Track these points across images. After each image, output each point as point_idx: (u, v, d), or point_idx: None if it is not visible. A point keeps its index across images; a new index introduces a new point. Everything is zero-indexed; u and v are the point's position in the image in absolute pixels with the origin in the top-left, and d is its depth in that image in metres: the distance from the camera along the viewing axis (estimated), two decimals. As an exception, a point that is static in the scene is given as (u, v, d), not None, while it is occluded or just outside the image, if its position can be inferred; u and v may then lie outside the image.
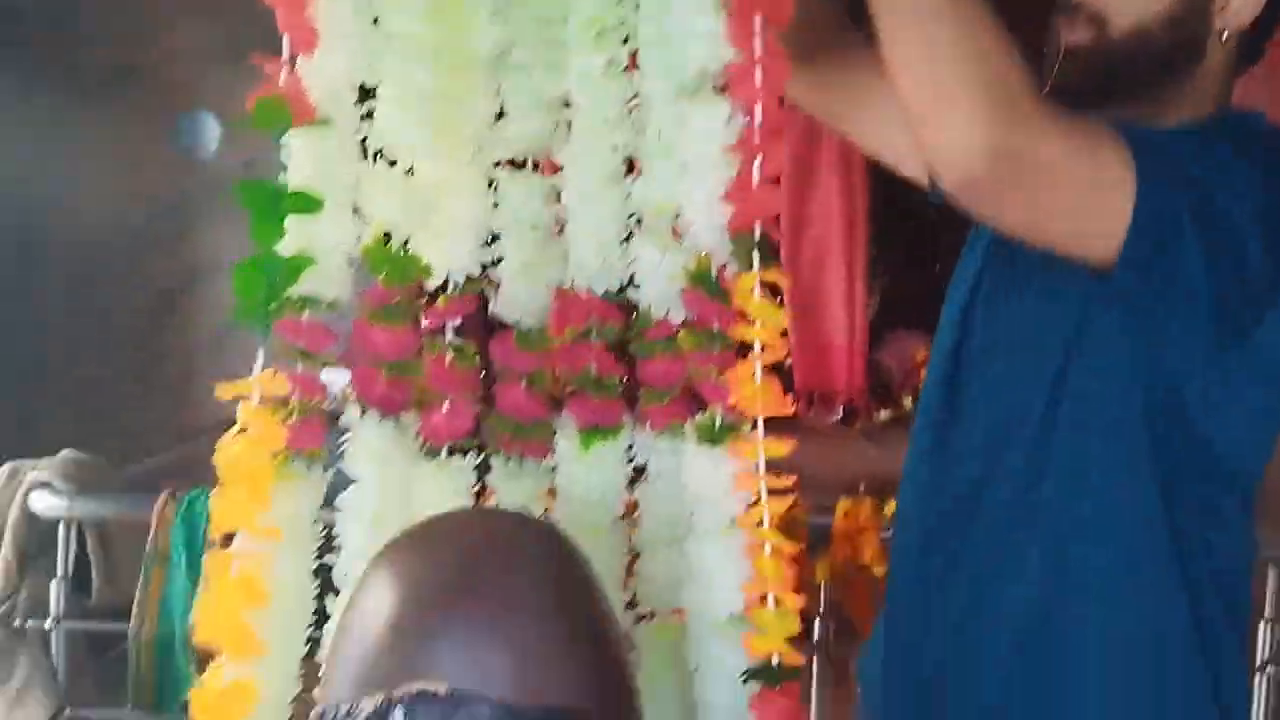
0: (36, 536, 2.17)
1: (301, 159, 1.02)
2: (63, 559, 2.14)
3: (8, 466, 2.23)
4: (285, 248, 1.03)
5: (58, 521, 2.14)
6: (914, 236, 3.25)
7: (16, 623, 2.13)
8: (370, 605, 0.87)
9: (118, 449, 2.48)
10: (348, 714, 0.83)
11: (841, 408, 2.81)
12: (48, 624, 2.11)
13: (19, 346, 3.45)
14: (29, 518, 2.15)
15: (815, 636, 2.25)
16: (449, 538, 0.94)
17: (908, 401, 2.85)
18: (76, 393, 3.58)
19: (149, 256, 3.89)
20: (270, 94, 1.00)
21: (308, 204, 1.03)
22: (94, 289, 3.68)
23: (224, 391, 1.03)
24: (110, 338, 3.70)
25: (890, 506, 2.36)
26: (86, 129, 3.56)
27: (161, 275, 3.94)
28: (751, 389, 1.09)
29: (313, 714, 0.87)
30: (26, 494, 2.15)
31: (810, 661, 2.20)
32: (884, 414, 2.83)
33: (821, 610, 2.21)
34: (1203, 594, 0.94)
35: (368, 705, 0.82)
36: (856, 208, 2.86)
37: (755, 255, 1.11)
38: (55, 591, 2.12)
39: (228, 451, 1.03)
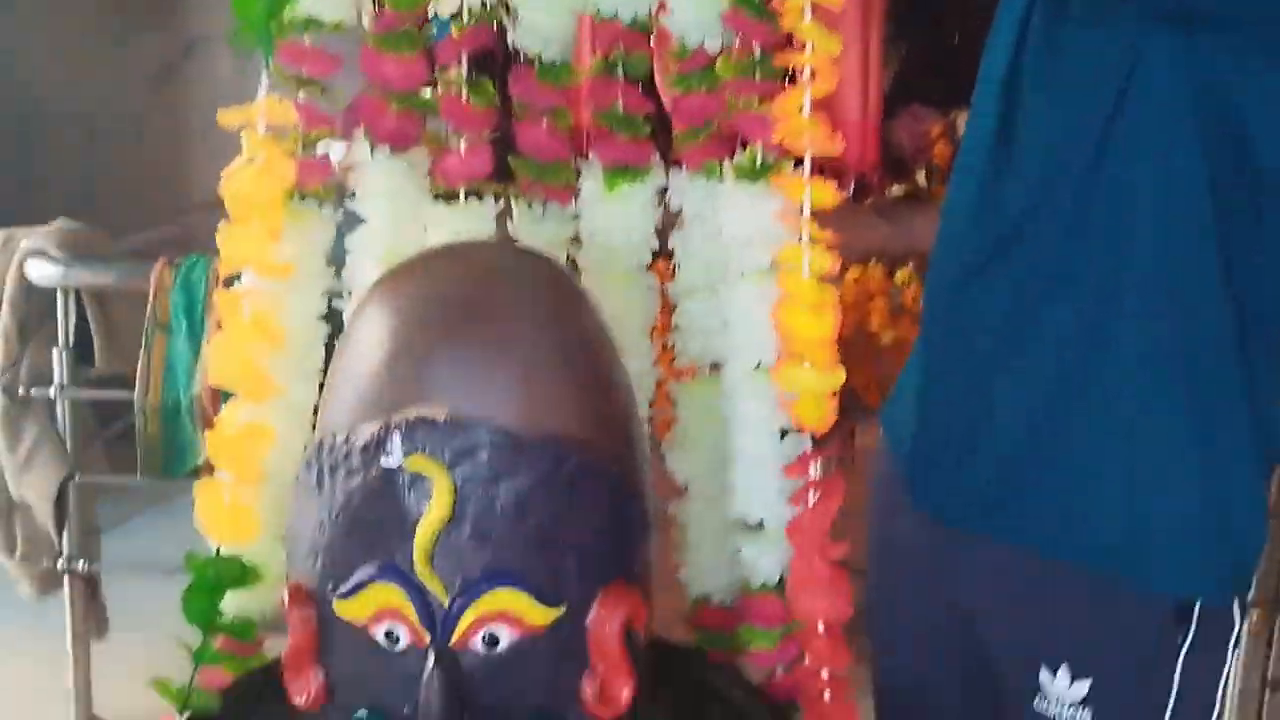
0: (35, 305, 2.13)
1: None
2: (62, 327, 2.10)
3: (1, 233, 2.16)
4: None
5: (55, 290, 2.09)
6: (932, 7, 3.10)
7: (21, 391, 2.11)
8: (368, 331, 0.84)
9: (112, 226, 2.41)
10: (345, 442, 0.81)
11: (853, 183, 2.73)
12: (51, 392, 2.10)
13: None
14: (26, 287, 2.10)
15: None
16: (448, 266, 0.91)
17: (921, 177, 2.78)
18: (71, 173, 3.50)
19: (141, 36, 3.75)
20: None
21: None
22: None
23: (227, 119, 0.96)
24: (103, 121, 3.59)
25: (900, 275, 2.33)
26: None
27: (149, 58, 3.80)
28: (799, 123, 1.02)
29: (310, 445, 0.85)
30: (22, 263, 2.09)
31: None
32: (896, 189, 2.75)
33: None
34: (1249, 310, 0.92)
35: (365, 432, 0.79)
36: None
37: None
38: (57, 360, 2.10)
39: (235, 184, 0.96)
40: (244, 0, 0.96)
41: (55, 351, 2.13)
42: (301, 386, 1.02)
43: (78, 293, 2.13)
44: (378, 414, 0.80)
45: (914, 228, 2.74)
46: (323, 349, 1.04)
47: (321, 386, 1.05)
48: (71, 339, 2.13)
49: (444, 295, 0.86)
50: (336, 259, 1.08)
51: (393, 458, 0.79)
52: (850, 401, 2.27)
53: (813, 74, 1.01)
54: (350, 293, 1.07)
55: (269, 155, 0.96)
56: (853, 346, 2.33)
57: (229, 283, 1.01)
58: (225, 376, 0.98)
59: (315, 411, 0.99)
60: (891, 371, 2.58)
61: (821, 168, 2.75)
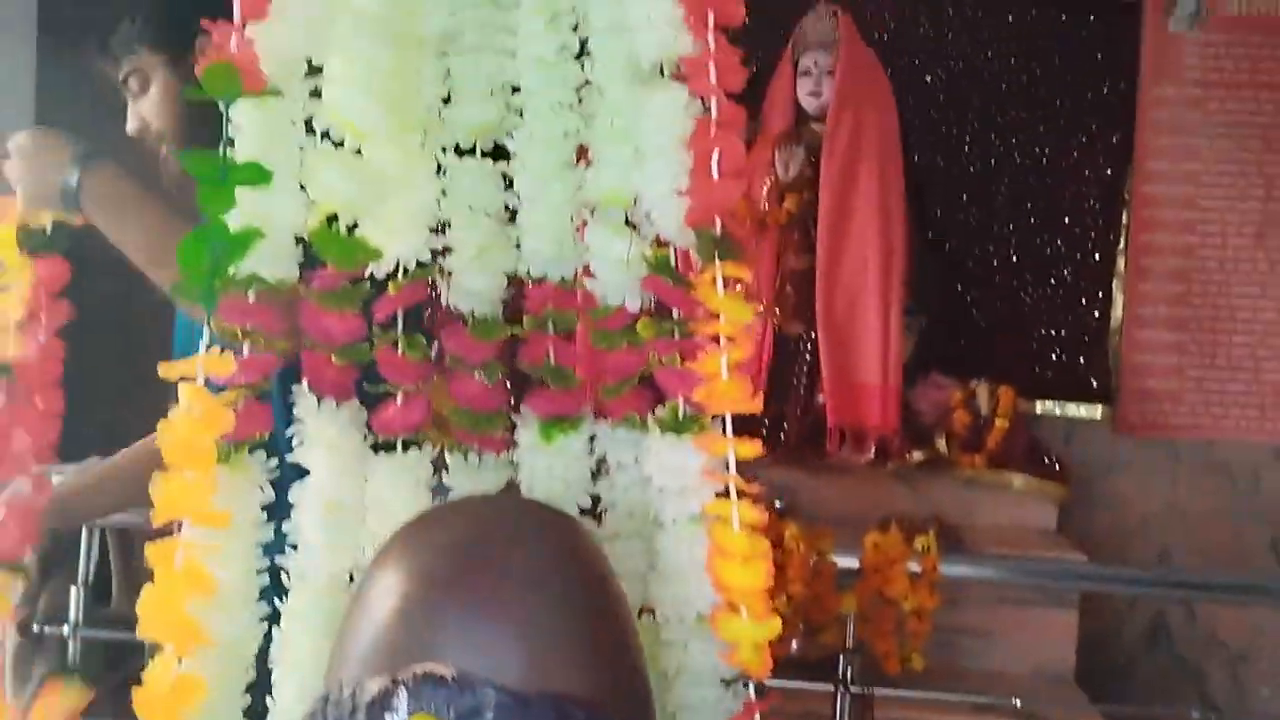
0: (59, 543, 2.20)
1: (249, 131, 1.00)
2: (84, 566, 2.16)
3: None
4: (232, 221, 1.02)
5: (80, 527, 2.17)
6: (951, 279, 3.21)
7: (35, 628, 2.16)
8: (379, 586, 0.84)
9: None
10: (351, 697, 0.80)
11: (874, 447, 2.75)
12: (65, 630, 2.14)
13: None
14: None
15: (841, 671, 2.19)
16: (459, 521, 0.91)
17: (941, 444, 2.79)
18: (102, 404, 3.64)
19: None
20: (221, 60, 0.98)
21: (257, 176, 1.00)
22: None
23: (168, 371, 0.99)
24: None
25: (920, 541, 2.30)
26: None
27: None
28: (720, 386, 1.06)
29: (315, 697, 0.85)
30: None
31: (836, 697, 2.13)
32: (917, 454, 2.76)
33: (847, 645, 2.14)
34: None
35: (372, 688, 0.78)
36: (894, 247, 2.83)
37: (716, 248, 1.09)
38: (75, 598, 2.15)
39: (172, 434, 0.98)
40: (192, 255, 1.01)
41: (74, 590, 2.18)
42: (237, 638, 1.03)
43: (102, 530, 2.20)
44: (384, 669, 0.79)
45: (934, 494, 2.74)
46: (258, 599, 1.05)
47: (264, 636, 1.07)
48: (91, 577, 2.18)
49: (454, 550, 0.86)
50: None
51: (398, 715, 0.79)
52: (870, 671, 2.22)
53: (729, 340, 1.05)
54: (295, 546, 1.10)
55: (207, 406, 0.99)
56: (872, 613, 2.30)
57: (161, 534, 1.01)
58: (156, 628, 0.98)
59: (256, 660, 1.00)
60: (911, 639, 2.51)
61: (844, 434, 2.75)
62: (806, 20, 2.89)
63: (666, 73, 1.11)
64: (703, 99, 1.08)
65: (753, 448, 1.10)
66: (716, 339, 1.09)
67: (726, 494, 1.07)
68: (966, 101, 3.24)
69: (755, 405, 1.11)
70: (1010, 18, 3.22)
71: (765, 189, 2.81)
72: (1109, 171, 3.22)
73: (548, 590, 0.84)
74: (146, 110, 1.57)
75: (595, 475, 1.20)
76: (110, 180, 1.41)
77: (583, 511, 1.18)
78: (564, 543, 0.90)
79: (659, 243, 1.14)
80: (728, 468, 1.09)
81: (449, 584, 0.83)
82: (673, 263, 1.13)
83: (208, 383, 0.99)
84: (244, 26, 1.01)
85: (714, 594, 1.07)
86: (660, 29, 1.07)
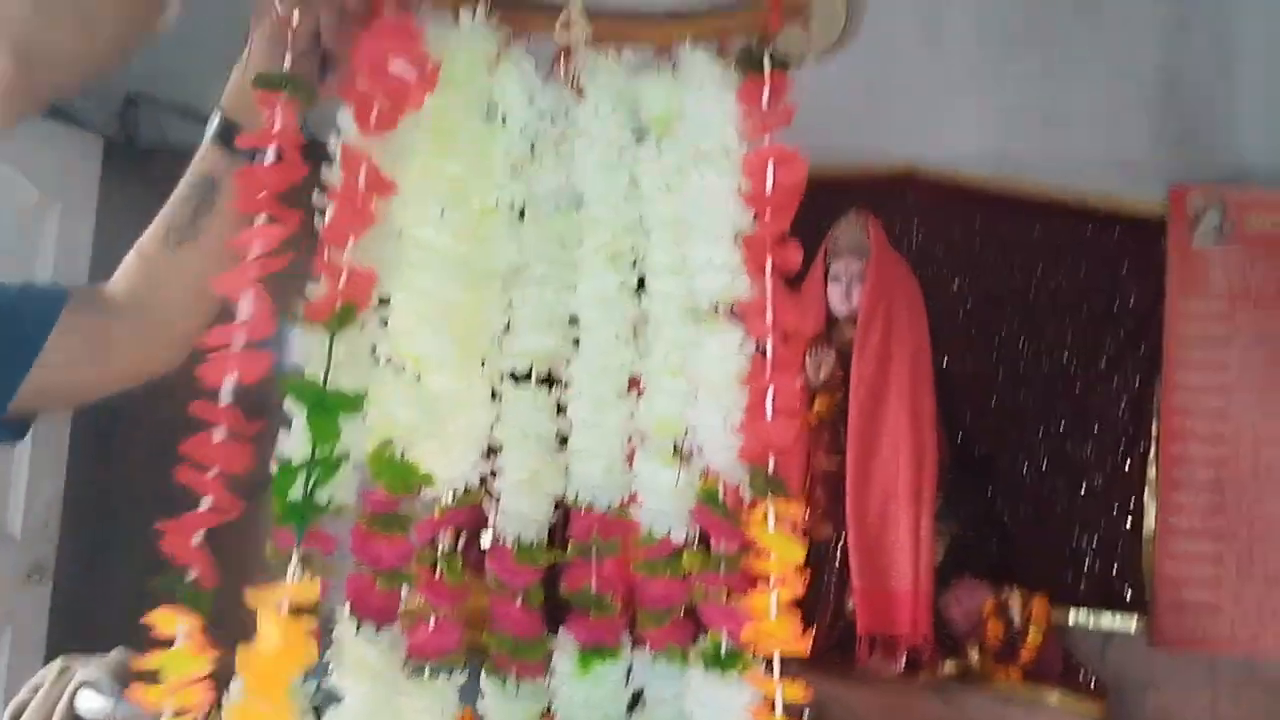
0: (82, 737, 2.15)
1: (316, 360, 1.01)
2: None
3: (59, 662, 2.23)
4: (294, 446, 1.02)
5: (101, 721, 2.12)
6: (981, 485, 3.19)
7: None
8: None
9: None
10: None
11: (905, 657, 2.68)
12: None
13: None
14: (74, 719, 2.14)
15: None
16: None
17: (974, 655, 2.72)
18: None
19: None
20: (345, 301, 1.00)
21: (353, 406, 1.02)
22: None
23: (254, 598, 0.95)
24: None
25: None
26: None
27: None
28: (768, 625, 1.04)
29: None
30: (74, 693, 2.15)
31: None
32: (949, 666, 2.69)
33: None
34: None
35: None
36: (925, 450, 2.82)
37: (768, 486, 1.07)
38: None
39: (253, 664, 0.93)
40: (283, 484, 0.99)
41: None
42: None
43: (124, 725, 2.15)
44: None
45: (967, 708, 2.65)
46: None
47: None
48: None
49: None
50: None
51: None
52: None
53: (780, 579, 1.03)
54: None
55: (290, 636, 0.95)
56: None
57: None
58: None
59: None
60: None
61: (874, 642, 2.67)
62: (838, 227, 2.97)
63: (721, 311, 1.13)
64: (759, 338, 1.10)
65: (800, 689, 1.08)
66: (766, 577, 1.07)
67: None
68: (995, 309, 3.28)
69: (804, 647, 1.08)
70: (1037, 229, 3.29)
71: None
72: (1137, 380, 3.23)
73: None
74: None
75: (632, 708, 1.17)
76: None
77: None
78: None
79: (707, 474, 1.14)
80: (773, 709, 1.06)
81: None
82: (721, 496, 1.13)
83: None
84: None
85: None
86: (719, 273, 1.10)
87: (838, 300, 2.90)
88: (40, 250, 3.03)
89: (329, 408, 1.00)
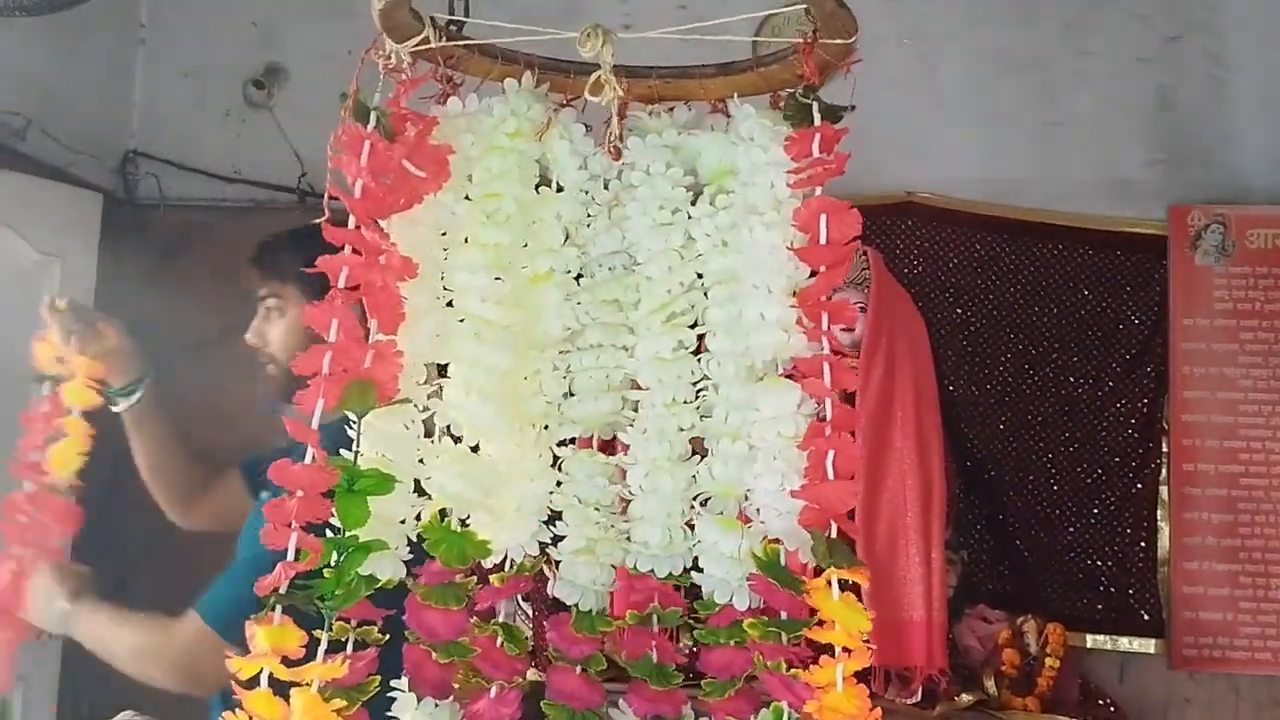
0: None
1: (373, 436, 1.02)
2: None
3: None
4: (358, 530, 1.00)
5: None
6: (991, 511, 3.17)
7: None
8: None
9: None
10: None
11: (920, 688, 2.65)
12: None
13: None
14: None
15: None
16: None
17: (990, 685, 2.69)
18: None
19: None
20: (361, 378, 0.99)
21: (382, 485, 1.01)
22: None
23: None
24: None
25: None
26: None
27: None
28: (835, 698, 1.00)
29: None
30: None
31: None
32: (965, 698, 2.66)
33: None
34: None
35: None
36: (933, 479, 2.80)
37: (830, 552, 1.03)
38: None
39: None
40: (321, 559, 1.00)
41: None
42: None
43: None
44: None
45: (986, 741, 2.63)
46: None
47: None
48: None
49: None
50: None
51: None
52: None
53: (845, 650, 1.00)
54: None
55: (319, 716, 0.96)
56: None
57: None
58: None
59: None
60: None
61: (888, 674, 2.65)
62: (839, 259, 2.95)
63: (780, 370, 1.11)
64: (818, 398, 1.07)
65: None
66: (830, 647, 1.03)
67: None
68: (999, 333, 3.27)
69: (875, 720, 1.05)
70: (1037, 252, 3.29)
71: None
72: (1145, 401, 3.22)
73: None
74: (273, 335, 1.73)
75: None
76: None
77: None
78: None
79: (767, 540, 1.11)
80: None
81: None
82: (783, 561, 1.10)
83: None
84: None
85: None
86: (774, 330, 1.08)
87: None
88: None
89: (357, 490, 1.00)
